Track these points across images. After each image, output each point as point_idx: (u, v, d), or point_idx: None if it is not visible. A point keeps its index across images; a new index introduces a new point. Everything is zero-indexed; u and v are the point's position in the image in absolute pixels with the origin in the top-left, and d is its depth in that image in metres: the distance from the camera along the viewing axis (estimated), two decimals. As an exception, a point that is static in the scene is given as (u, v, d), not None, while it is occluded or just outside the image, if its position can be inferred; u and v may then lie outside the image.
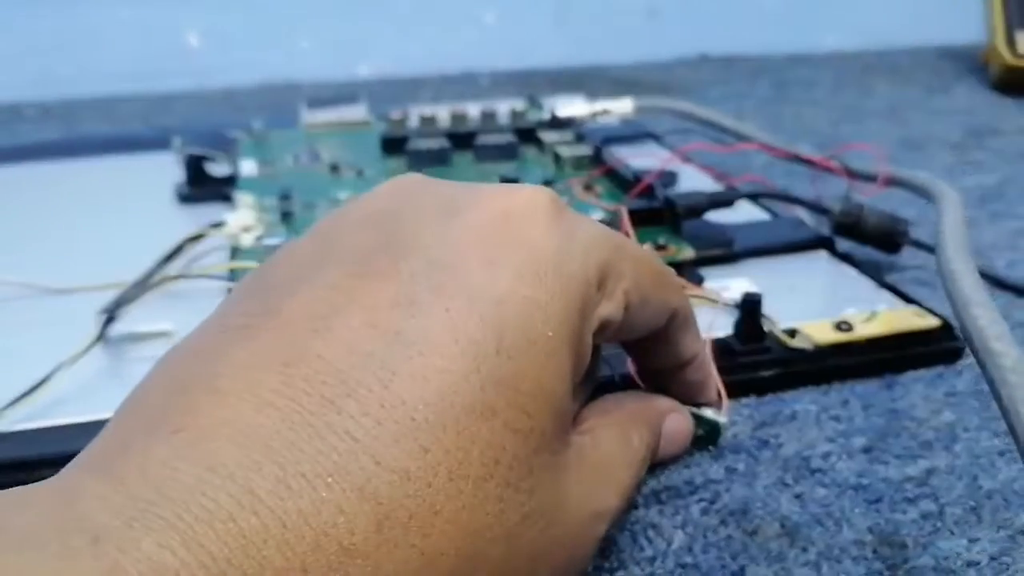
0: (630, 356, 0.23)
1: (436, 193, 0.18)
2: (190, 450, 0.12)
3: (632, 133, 0.48)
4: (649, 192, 0.34)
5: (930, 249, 0.32)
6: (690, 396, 0.23)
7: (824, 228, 0.35)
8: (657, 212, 0.33)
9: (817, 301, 0.30)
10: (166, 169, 0.43)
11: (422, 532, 0.13)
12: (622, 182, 0.37)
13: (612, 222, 0.32)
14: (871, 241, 0.33)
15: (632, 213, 0.33)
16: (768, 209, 0.38)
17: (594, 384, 0.21)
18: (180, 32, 0.73)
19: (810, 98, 0.64)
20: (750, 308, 0.26)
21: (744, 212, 0.37)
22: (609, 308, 0.18)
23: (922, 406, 0.26)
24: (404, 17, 0.75)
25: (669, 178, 0.41)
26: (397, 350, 0.14)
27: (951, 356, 0.28)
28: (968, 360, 0.28)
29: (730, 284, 0.31)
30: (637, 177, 0.35)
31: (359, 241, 0.16)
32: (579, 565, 0.17)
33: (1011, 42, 0.63)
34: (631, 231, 0.30)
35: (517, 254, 0.16)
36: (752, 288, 0.31)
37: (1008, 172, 0.47)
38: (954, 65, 0.73)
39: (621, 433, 0.19)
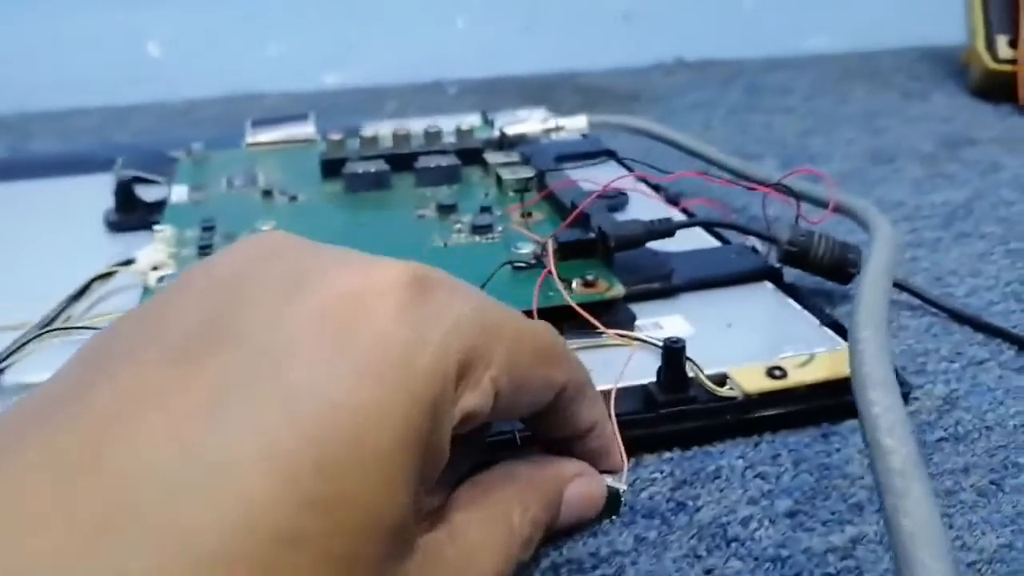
0: (524, 425, 0.21)
1: (287, 263, 0.16)
2: None
3: (588, 150, 0.46)
4: (585, 220, 0.32)
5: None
6: (591, 464, 0.21)
7: (775, 256, 0.33)
8: (590, 243, 0.31)
9: (754, 340, 0.28)
10: (103, 193, 0.41)
11: None
12: (562, 208, 0.35)
13: (540, 255, 0.30)
14: (821, 272, 0.32)
15: (564, 245, 0.31)
16: (718, 235, 0.36)
17: (468, 466, 0.19)
18: (140, 41, 0.71)
19: (783, 105, 0.62)
20: (672, 356, 0.24)
21: (693, 238, 0.35)
22: (472, 400, 0.16)
23: (856, 461, 0.24)
24: (372, 25, 0.73)
25: (620, 200, 0.39)
26: (195, 467, 0.12)
27: (893, 402, 0.26)
28: (911, 407, 0.26)
29: (664, 321, 0.29)
30: (574, 204, 0.33)
31: (187, 319, 0.15)
32: None
33: (991, 46, 0.61)
34: (553, 268, 0.28)
35: (357, 348, 0.14)
36: (686, 326, 0.29)
37: (979, 186, 0.45)
38: (934, 68, 0.71)
39: (496, 515, 0.18)
